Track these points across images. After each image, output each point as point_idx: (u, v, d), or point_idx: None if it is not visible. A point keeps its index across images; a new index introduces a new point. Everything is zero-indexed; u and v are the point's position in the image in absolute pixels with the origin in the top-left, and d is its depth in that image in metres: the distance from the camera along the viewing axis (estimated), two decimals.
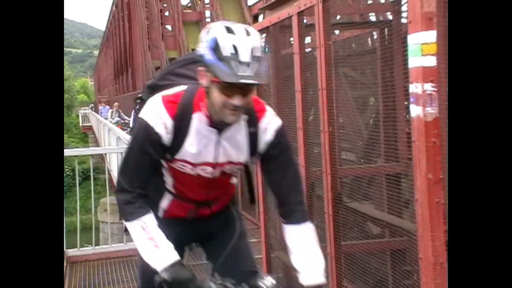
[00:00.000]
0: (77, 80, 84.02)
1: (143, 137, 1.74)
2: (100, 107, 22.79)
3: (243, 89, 1.59)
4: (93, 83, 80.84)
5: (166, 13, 20.28)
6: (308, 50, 3.06)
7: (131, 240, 6.33)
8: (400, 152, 2.47)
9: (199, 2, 17.87)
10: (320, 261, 1.77)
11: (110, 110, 16.40)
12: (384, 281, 2.56)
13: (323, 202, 2.77)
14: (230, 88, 1.58)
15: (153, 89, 1.93)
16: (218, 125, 1.72)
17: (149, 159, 1.74)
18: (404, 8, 2.37)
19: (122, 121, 15.32)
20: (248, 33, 1.59)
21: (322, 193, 2.77)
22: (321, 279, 1.74)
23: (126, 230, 1.86)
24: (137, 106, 1.97)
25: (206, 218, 1.97)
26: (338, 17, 3.41)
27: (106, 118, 18.23)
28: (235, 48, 1.55)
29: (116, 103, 16.75)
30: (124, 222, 1.82)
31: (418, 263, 1.84)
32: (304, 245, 1.76)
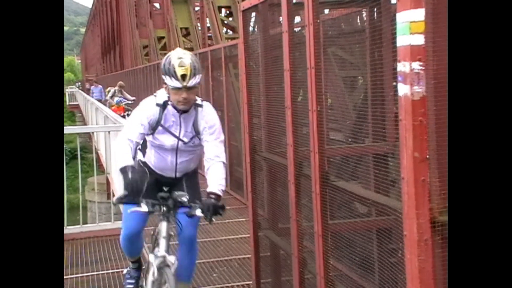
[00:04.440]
0: (64, 58, 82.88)
1: None
2: (92, 87, 20.45)
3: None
4: (80, 61, 79.80)
5: None
6: (297, 29, 3.03)
7: (118, 219, 6.34)
8: (388, 131, 2.48)
9: None
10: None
11: (112, 90, 14.55)
12: (370, 259, 2.59)
13: (310, 181, 2.78)
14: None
15: None
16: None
17: None
18: None
19: (125, 101, 13.85)
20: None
21: (310, 172, 2.78)
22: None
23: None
24: None
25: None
26: None
27: (100, 100, 16.87)
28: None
29: (120, 82, 14.90)
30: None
31: (403, 240, 1.87)
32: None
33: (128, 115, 13.14)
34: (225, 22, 13.53)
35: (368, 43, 2.66)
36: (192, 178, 3.30)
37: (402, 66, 1.75)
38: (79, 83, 50.38)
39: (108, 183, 7.74)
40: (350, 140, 2.98)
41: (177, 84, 2.82)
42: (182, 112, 2.98)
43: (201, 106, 3.04)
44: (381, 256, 2.42)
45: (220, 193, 2.92)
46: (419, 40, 1.69)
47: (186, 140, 3.04)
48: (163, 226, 2.93)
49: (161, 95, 3.03)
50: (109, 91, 14.92)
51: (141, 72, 17.23)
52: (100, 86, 20.23)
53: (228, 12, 13.61)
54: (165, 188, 3.11)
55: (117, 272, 4.61)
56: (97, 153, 7.50)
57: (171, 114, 3.00)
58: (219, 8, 13.05)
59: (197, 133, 3.03)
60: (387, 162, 2.48)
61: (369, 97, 2.69)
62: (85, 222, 6.06)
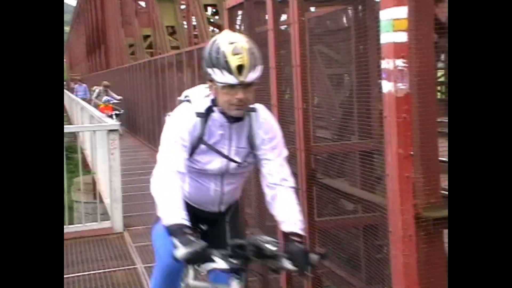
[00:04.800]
0: None
1: None
2: (76, 86, 20.46)
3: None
4: (64, 60, 79.21)
5: None
6: (283, 27, 3.04)
7: (104, 219, 6.28)
8: (373, 129, 2.50)
9: None
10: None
11: (98, 90, 14.46)
12: (357, 256, 2.61)
13: (297, 178, 2.79)
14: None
15: None
16: None
17: None
18: None
19: (112, 101, 13.82)
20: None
21: (296, 170, 2.79)
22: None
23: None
24: None
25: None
26: None
27: (85, 99, 16.84)
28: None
29: (104, 82, 14.81)
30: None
31: (389, 236, 1.88)
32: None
33: (116, 115, 13.06)
34: (211, 20, 13.51)
35: (353, 40, 2.68)
36: (235, 214, 2.46)
37: (386, 64, 1.76)
38: (64, 82, 49.95)
39: (94, 183, 7.68)
40: (336, 137, 3.00)
41: (231, 79, 1.96)
42: (233, 120, 2.11)
43: (254, 110, 2.16)
44: (368, 252, 2.44)
45: (303, 232, 2.08)
46: (402, 37, 1.71)
47: (238, 159, 2.18)
48: (234, 286, 2.00)
49: (199, 99, 2.15)
50: (94, 91, 14.80)
51: (127, 71, 17.12)
52: (84, 85, 20.08)
53: (214, 10, 13.60)
54: (203, 227, 2.31)
55: (103, 272, 4.59)
56: (82, 153, 7.45)
57: (218, 125, 2.13)
58: (205, 6, 13.04)
59: (252, 148, 2.18)
60: (373, 159, 2.50)
61: (355, 94, 2.71)
62: (71, 222, 6.02)
